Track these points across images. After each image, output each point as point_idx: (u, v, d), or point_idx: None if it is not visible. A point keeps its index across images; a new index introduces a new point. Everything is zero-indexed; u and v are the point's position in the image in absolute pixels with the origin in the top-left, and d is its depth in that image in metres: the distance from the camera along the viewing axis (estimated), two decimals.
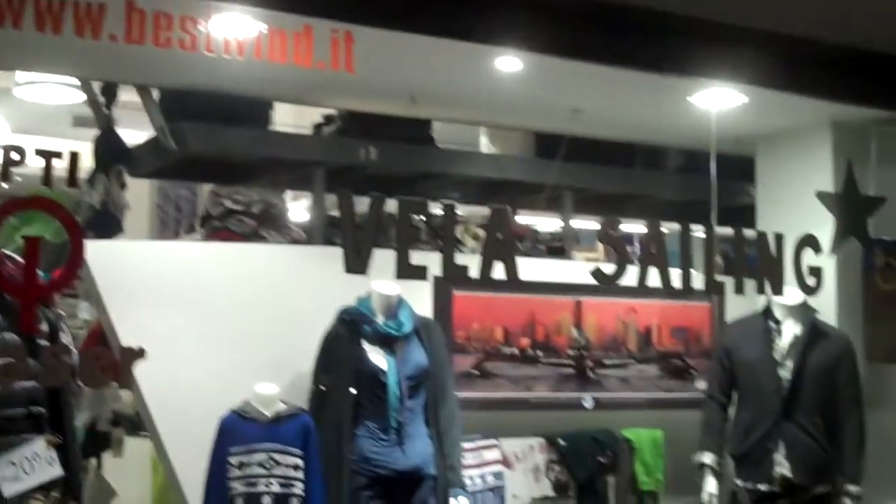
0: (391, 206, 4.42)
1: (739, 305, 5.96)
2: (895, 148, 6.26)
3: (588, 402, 5.97)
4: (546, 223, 8.70)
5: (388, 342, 5.22)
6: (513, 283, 4.63)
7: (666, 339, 6.19)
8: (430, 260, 4.58)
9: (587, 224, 8.52)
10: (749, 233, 5.37)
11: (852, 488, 5.64)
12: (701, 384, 6.12)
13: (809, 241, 5.21)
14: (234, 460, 4.89)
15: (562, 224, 7.68)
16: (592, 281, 4.98)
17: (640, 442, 5.95)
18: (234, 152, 6.49)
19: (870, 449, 5.78)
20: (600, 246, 8.55)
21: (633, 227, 7.40)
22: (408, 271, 4.33)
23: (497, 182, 7.26)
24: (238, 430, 4.94)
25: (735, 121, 6.04)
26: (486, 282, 4.64)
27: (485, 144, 7.71)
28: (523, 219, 8.42)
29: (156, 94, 6.31)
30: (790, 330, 5.81)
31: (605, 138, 7.05)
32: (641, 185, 7.70)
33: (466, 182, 7.22)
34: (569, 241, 7.59)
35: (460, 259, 4.61)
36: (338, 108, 6.85)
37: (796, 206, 6.08)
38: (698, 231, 5.16)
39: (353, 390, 5.14)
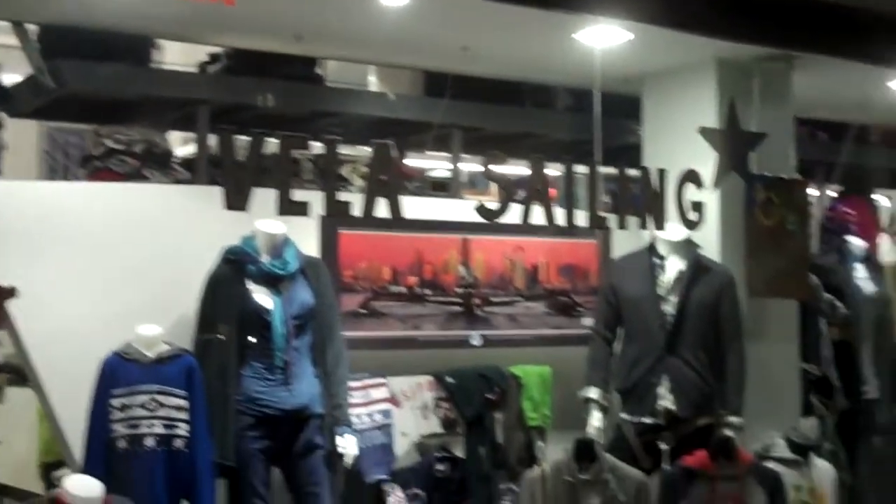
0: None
1: (629, 243, 6.03)
2: (777, 85, 6.35)
3: (476, 340, 5.99)
4: (441, 166, 8.66)
5: (273, 281, 5.17)
6: (398, 221, 4.63)
7: (553, 277, 6.23)
8: (314, 198, 4.55)
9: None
10: (635, 172, 5.43)
11: (733, 419, 5.77)
12: (587, 321, 6.18)
13: (691, 177, 5.29)
14: (116, 402, 4.80)
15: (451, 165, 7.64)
16: (480, 220, 5.00)
17: (527, 378, 5.99)
18: (115, 90, 6.33)
19: (750, 381, 5.92)
20: (495, 188, 8.55)
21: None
22: (289, 208, 4.30)
23: (386, 121, 7.21)
24: (120, 371, 4.85)
25: (621, 59, 6.06)
26: (371, 220, 4.63)
27: (374, 83, 7.64)
28: (418, 161, 8.38)
29: (35, 32, 6.12)
30: (674, 266, 5.89)
31: (494, 77, 7.04)
32: (531, 125, 7.70)
33: (356, 121, 7.16)
34: (456, 179, 7.57)
35: (348, 199, 4.58)
36: (220, 45, 6.72)
37: (682, 143, 6.14)
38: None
39: (239, 332, 5.09)
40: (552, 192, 5.28)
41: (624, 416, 5.90)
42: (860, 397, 6.98)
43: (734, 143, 5.74)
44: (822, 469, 5.95)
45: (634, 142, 6.91)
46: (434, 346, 5.90)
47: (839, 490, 6.05)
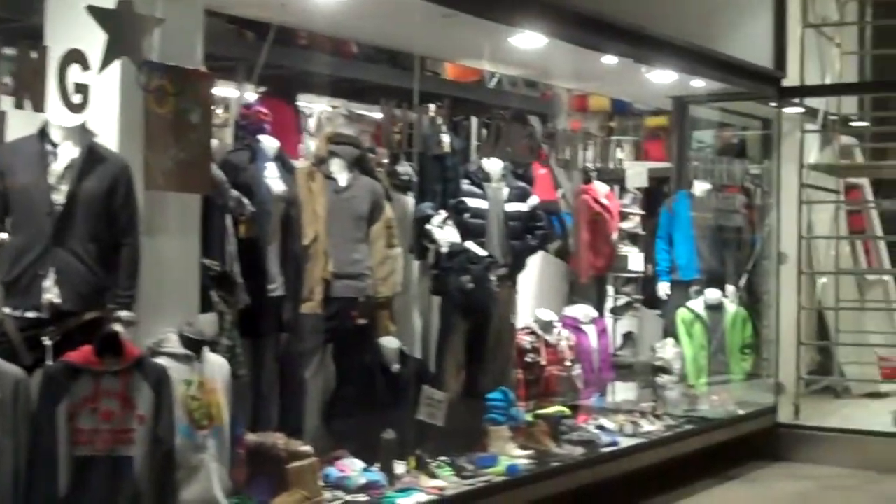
0: None
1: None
2: None
3: None
4: None
5: None
6: None
7: None
8: None
9: None
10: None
11: (123, 314, 5.61)
12: None
13: (76, 57, 5.00)
14: None
15: None
16: None
17: None
18: None
19: (146, 275, 5.78)
20: None
21: None
22: None
23: None
24: None
25: None
26: None
27: None
28: None
29: None
30: (67, 153, 5.59)
31: None
32: None
33: None
34: None
35: None
36: None
37: (87, 23, 5.77)
38: None
39: None
40: None
41: (7, 310, 5.56)
42: (265, 294, 7.08)
43: (127, 25, 5.44)
44: (216, 364, 5.97)
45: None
46: None
47: (233, 384, 6.11)
